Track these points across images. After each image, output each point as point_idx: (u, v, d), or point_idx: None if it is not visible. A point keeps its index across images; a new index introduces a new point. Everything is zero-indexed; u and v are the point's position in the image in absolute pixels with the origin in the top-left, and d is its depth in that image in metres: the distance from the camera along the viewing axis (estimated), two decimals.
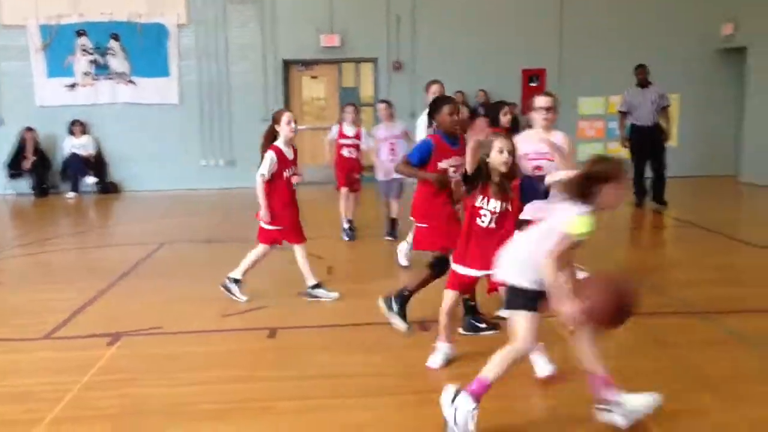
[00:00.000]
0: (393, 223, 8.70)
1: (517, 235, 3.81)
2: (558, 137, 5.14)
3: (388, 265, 7.35)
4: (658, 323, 5.17)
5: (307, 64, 14.74)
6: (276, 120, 5.99)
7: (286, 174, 6.00)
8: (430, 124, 5.35)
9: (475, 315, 5.19)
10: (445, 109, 5.05)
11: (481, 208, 4.19)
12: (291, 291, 6.32)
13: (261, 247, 6.17)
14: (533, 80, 14.39)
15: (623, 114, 10.72)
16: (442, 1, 14.07)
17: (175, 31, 13.95)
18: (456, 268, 4.39)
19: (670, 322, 5.25)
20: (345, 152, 8.89)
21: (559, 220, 3.38)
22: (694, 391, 4.03)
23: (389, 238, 8.52)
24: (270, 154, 5.92)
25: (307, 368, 4.50)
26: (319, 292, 6.17)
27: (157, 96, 14.09)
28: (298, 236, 6.19)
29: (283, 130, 5.94)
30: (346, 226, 8.84)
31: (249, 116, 14.17)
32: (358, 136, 8.88)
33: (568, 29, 14.18)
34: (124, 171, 14.23)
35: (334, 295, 6.15)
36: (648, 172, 10.60)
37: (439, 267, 5.02)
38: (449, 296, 4.44)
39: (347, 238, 8.73)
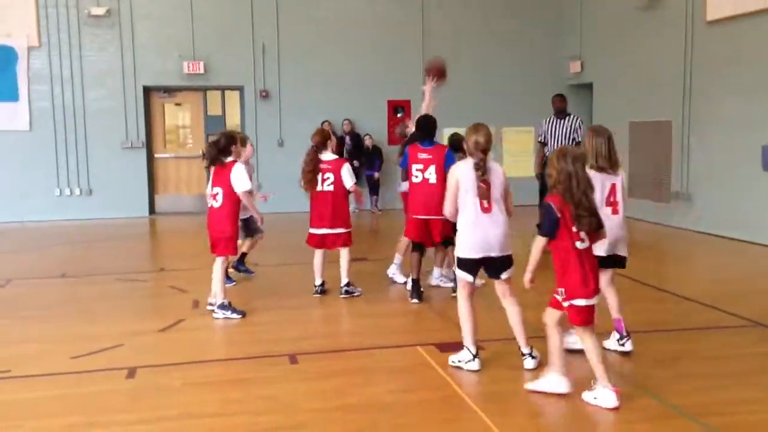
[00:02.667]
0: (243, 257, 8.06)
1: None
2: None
3: (252, 298, 7.24)
4: (514, 348, 5.40)
5: (169, 90, 14.36)
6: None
7: None
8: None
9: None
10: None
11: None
12: (149, 327, 6.08)
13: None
14: (399, 111, 14.75)
15: (542, 144, 10.06)
16: (307, 30, 14.18)
17: (25, 53, 13.20)
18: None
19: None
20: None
21: None
22: (547, 410, 4.22)
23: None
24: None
25: (167, 409, 4.32)
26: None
27: (5, 122, 13.24)
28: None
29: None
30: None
31: (107, 144, 13.64)
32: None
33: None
34: None
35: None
36: None
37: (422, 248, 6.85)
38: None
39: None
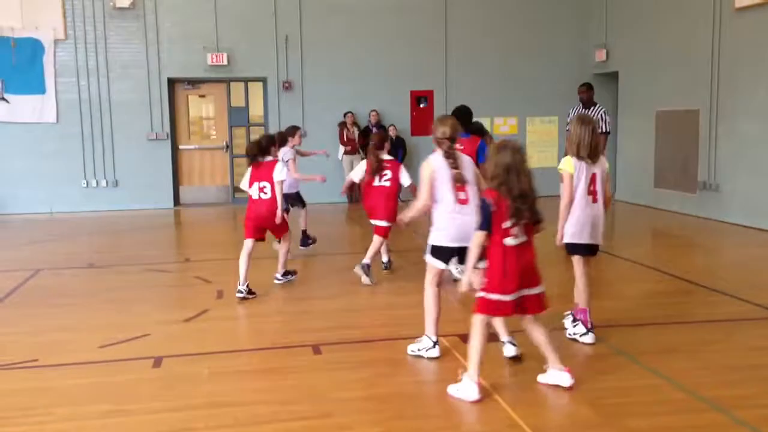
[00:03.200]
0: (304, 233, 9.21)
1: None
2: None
3: (278, 288, 7.26)
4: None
5: (193, 82, 14.44)
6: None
7: None
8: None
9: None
10: None
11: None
12: (175, 317, 6.13)
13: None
14: (422, 101, 14.70)
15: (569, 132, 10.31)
16: (330, 21, 14.17)
17: (52, 46, 13.34)
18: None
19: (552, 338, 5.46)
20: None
21: None
22: (576, 403, 4.19)
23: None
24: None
25: (193, 398, 4.35)
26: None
27: (33, 114, 13.40)
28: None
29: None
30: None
31: (133, 135, 13.76)
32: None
33: (453, 53, 14.60)
34: None
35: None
36: None
37: None
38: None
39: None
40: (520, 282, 4.20)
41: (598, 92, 14.44)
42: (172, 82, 14.14)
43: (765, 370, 4.64)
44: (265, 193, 6.81)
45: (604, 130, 9.87)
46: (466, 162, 4.98)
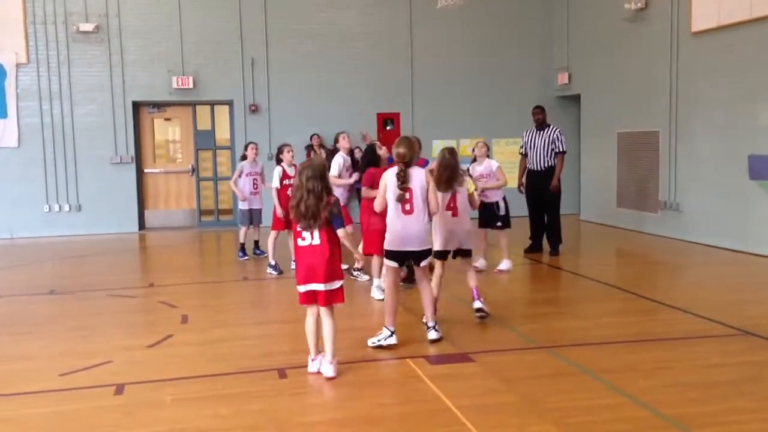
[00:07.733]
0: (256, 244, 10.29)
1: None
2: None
3: (244, 308, 7.21)
4: (505, 360, 5.41)
5: (158, 105, 14.36)
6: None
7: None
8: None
9: None
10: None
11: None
12: (139, 343, 6.05)
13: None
14: (388, 124, 14.79)
15: (523, 156, 10.29)
16: (296, 44, 14.24)
17: (14, 70, 13.19)
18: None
19: (515, 358, 5.50)
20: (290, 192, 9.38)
21: None
22: (541, 422, 4.22)
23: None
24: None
25: (156, 425, 4.29)
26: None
27: None
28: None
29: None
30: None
31: (96, 159, 13.63)
32: None
33: (419, 76, 14.75)
34: None
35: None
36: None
37: None
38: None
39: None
40: (306, 277, 4.91)
41: (562, 114, 14.80)
42: (136, 106, 14.05)
43: (724, 388, 4.72)
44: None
45: (560, 149, 10.03)
46: (418, 181, 5.55)
